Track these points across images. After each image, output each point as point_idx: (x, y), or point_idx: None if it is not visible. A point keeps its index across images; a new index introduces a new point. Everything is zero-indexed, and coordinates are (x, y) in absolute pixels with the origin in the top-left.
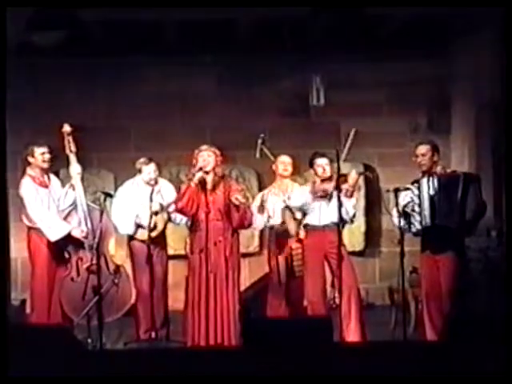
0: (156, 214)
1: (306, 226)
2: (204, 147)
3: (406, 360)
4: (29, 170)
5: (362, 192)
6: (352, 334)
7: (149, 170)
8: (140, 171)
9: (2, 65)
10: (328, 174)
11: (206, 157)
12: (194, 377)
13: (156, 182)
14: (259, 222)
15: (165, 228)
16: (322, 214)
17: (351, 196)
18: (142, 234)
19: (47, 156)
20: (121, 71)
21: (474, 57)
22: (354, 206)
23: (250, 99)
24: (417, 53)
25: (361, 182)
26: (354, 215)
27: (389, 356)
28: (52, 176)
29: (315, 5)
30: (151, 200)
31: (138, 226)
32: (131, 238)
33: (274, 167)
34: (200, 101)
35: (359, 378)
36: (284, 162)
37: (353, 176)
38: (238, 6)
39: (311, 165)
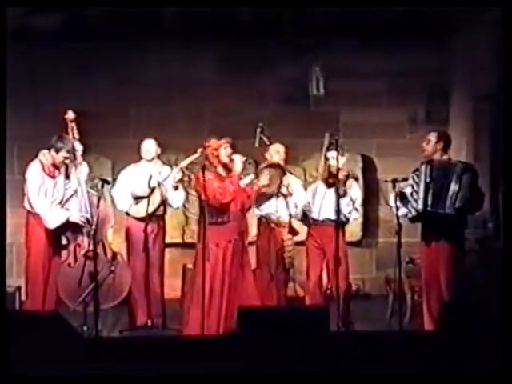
0: (153, 189)
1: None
2: (223, 140)
3: (402, 350)
4: (41, 156)
5: (360, 182)
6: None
7: (148, 146)
8: (141, 148)
9: (2, 61)
10: (333, 168)
11: (229, 150)
12: (189, 368)
13: (157, 158)
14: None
15: (164, 213)
16: (322, 208)
17: (343, 196)
18: (138, 211)
19: (67, 161)
20: (121, 57)
21: (473, 48)
22: (346, 204)
23: (249, 87)
24: (416, 44)
25: (358, 173)
26: (350, 213)
27: (384, 345)
28: (62, 169)
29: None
30: (150, 178)
31: (135, 198)
32: (127, 217)
33: (267, 155)
34: (200, 88)
35: (355, 370)
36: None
37: (341, 178)
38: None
39: (324, 155)
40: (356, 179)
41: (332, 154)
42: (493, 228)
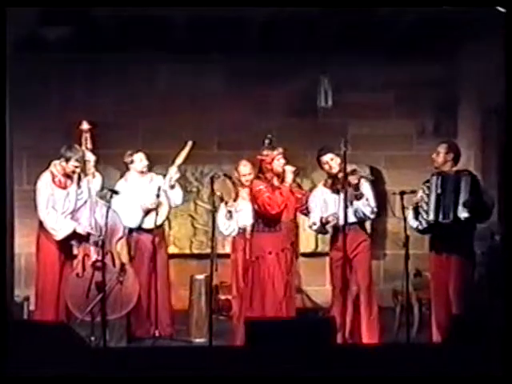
0: (158, 196)
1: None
2: (276, 152)
3: (409, 362)
4: (52, 167)
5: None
6: (364, 335)
7: (139, 158)
8: (132, 162)
9: (2, 63)
10: (335, 170)
11: (283, 161)
12: (195, 377)
13: (149, 171)
14: (230, 227)
15: (163, 222)
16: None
17: (360, 198)
18: (149, 223)
19: (77, 170)
20: (130, 67)
21: (481, 60)
22: (367, 204)
23: (258, 99)
24: (425, 56)
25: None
26: (372, 211)
27: (392, 357)
28: (75, 179)
29: (324, 6)
30: (157, 195)
31: (145, 213)
32: (130, 231)
33: (236, 176)
34: (208, 99)
35: (360, 380)
36: (245, 175)
37: (353, 181)
38: (248, 5)
39: (319, 162)
40: (367, 179)
41: (326, 158)
42: (500, 241)
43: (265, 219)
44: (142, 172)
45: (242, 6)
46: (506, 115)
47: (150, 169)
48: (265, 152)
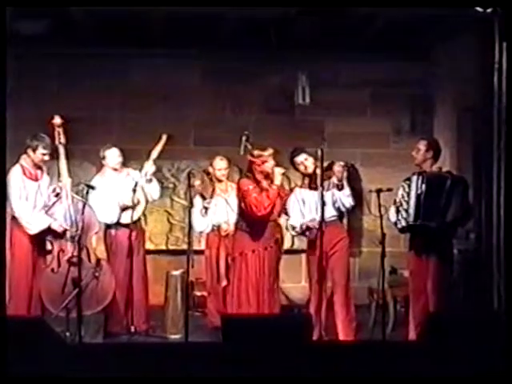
0: (134, 191)
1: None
2: (267, 153)
3: (384, 359)
4: (22, 160)
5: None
6: (340, 332)
7: (112, 154)
8: (104, 158)
9: (2, 62)
10: (310, 170)
11: (272, 162)
12: (172, 374)
13: (123, 166)
14: (204, 224)
15: (140, 219)
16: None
17: (342, 188)
18: (125, 218)
19: (46, 158)
20: (105, 63)
21: (458, 60)
22: (348, 195)
23: (234, 95)
24: (402, 54)
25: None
26: (351, 203)
27: (367, 355)
28: (45, 170)
29: (302, 4)
30: (134, 189)
31: (122, 209)
32: (107, 227)
33: (212, 171)
34: (184, 95)
35: (337, 378)
36: (220, 169)
37: (337, 169)
38: (227, 5)
39: (293, 164)
40: (348, 168)
41: (300, 158)
42: (475, 239)
43: (250, 219)
44: (115, 169)
45: (223, 5)
46: (486, 115)
47: (124, 164)
48: (255, 152)
